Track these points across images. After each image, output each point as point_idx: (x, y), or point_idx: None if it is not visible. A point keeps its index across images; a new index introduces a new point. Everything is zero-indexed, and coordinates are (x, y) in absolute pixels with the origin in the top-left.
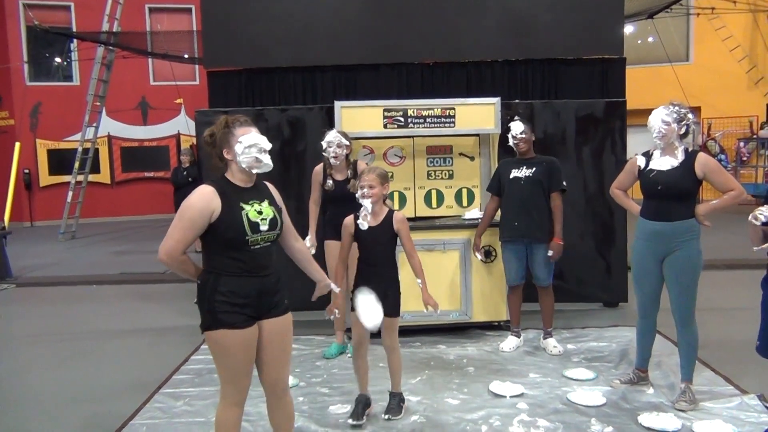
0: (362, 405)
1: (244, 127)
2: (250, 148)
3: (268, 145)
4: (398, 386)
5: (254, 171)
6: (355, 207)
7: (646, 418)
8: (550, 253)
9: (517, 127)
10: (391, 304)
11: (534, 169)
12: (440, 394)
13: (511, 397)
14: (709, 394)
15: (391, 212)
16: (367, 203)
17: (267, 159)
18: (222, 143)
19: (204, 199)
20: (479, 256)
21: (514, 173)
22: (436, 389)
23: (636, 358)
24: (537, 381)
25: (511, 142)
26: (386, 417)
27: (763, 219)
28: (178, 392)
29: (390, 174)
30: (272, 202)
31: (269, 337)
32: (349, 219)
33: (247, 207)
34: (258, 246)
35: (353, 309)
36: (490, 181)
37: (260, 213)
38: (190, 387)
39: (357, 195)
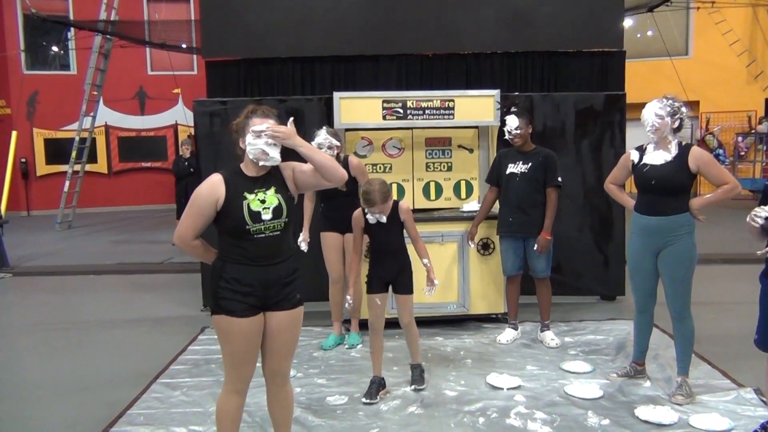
0: (376, 385)
1: (261, 119)
2: (258, 139)
3: None
4: (417, 357)
5: (261, 163)
6: (348, 199)
7: (642, 411)
8: (535, 247)
9: (512, 121)
10: (404, 282)
11: (530, 164)
12: (438, 386)
13: (508, 389)
14: (705, 387)
15: (396, 203)
16: (382, 218)
17: (275, 153)
18: (240, 132)
19: (210, 187)
20: (471, 245)
21: (511, 168)
22: (433, 381)
23: (633, 351)
24: (534, 373)
25: (507, 136)
26: (412, 388)
27: (760, 221)
28: (175, 382)
29: (388, 165)
30: (279, 189)
31: (277, 329)
32: (358, 213)
33: (250, 197)
34: (262, 235)
35: (371, 290)
36: (489, 172)
37: (263, 202)
38: (187, 377)
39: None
